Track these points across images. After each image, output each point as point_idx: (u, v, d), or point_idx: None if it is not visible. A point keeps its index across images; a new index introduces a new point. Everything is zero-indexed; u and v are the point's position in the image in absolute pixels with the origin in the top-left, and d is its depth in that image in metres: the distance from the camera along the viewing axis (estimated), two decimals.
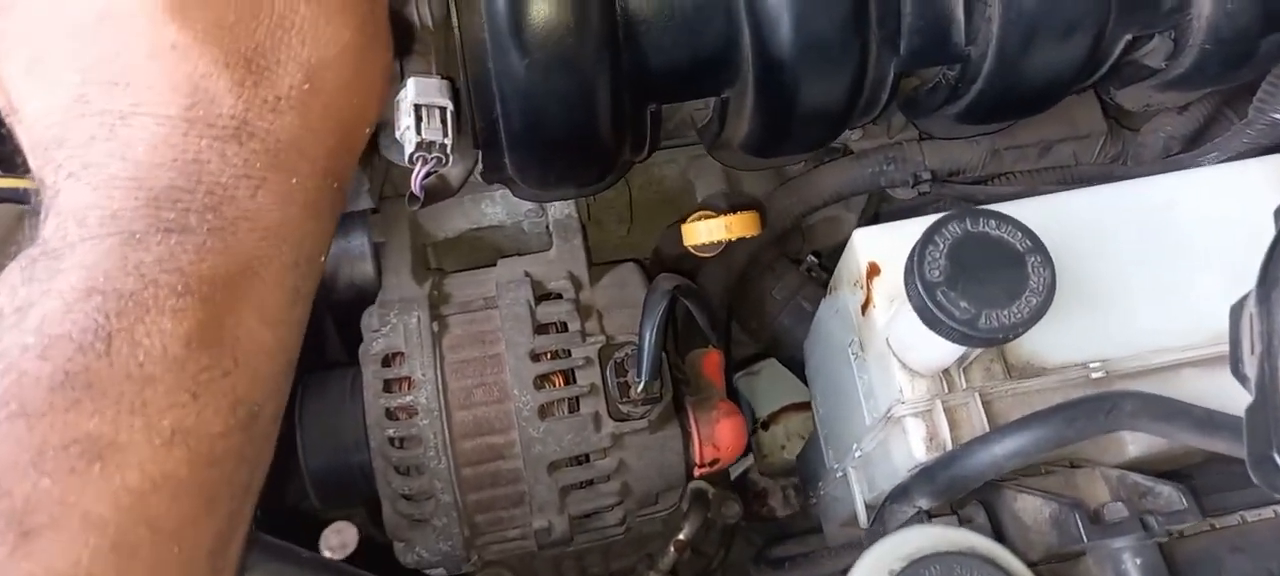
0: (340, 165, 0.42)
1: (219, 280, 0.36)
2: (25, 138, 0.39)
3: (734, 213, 0.62)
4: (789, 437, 1.02)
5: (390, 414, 0.66)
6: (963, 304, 0.44)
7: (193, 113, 0.37)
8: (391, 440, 0.66)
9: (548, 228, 0.78)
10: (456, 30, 0.54)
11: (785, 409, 1.02)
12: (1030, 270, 0.45)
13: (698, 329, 0.76)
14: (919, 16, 0.56)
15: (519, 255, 0.77)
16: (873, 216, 0.88)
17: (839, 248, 0.94)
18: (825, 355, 0.69)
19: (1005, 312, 0.44)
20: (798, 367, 0.87)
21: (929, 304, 0.44)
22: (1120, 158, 0.78)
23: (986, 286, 0.44)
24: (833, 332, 0.65)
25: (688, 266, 0.81)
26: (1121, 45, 0.59)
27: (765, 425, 1.01)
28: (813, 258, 0.88)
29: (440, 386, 0.66)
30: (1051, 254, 0.45)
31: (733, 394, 0.87)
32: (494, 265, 0.77)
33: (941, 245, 0.45)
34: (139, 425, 0.33)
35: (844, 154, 0.80)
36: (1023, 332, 0.44)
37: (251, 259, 0.37)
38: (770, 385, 0.98)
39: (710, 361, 0.76)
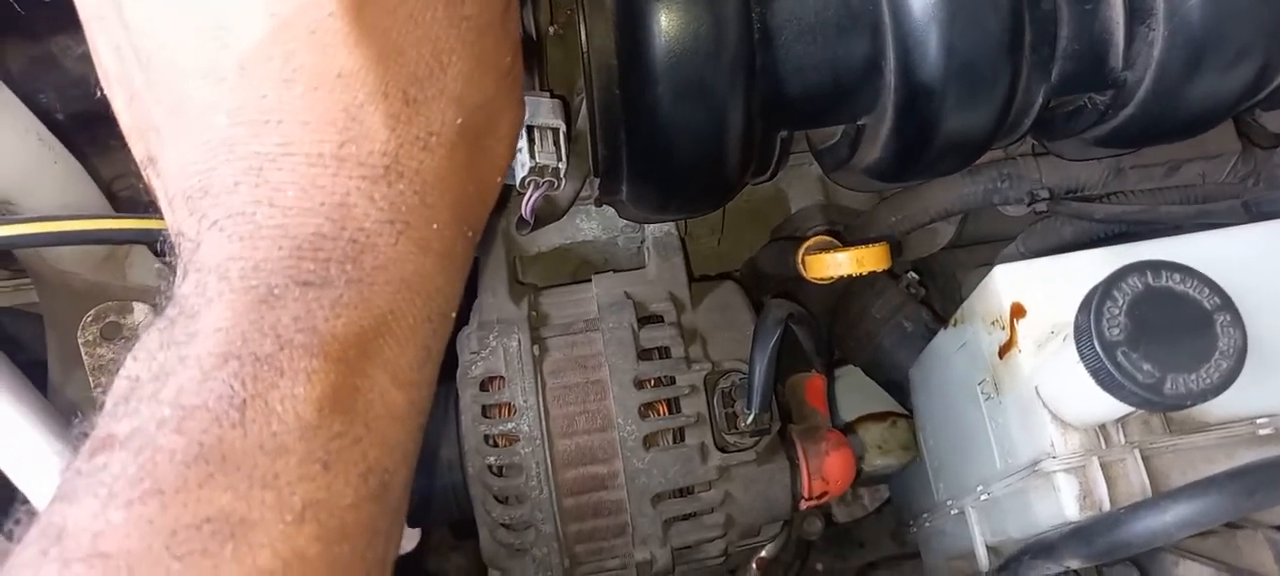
0: (475, 214, 0.40)
1: (352, 339, 0.33)
2: (163, 189, 0.37)
3: (860, 245, 0.58)
4: (868, 449, 0.99)
5: (490, 440, 0.64)
6: (1146, 367, 0.41)
7: (345, 150, 0.34)
8: (491, 468, 0.64)
9: (644, 245, 0.75)
10: (583, 48, 0.51)
11: (864, 418, 0.99)
12: (1219, 330, 0.41)
13: (799, 349, 0.73)
14: (1076, 39, 0.52)
15: (613, 272, 0.74)
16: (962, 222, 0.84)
17: (935, 260, 0.92)
18: (942, 388, 0.66)
19: (1192, 377, 0.41)
20: (894, 388, 0.84)
21: (1109, 366, 0.41)
22: (1252, 178, 0.74)
23: (1171, 348, 0.41)
24: (955, 366, 0.62)
25: (789, 283, 0.78)
26: None
27: (844, 433, 0.99)
28: (913, 275, 0.85)
29: (542, 413, 0.64)
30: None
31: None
32: (585, 280, 0.75)
33: (1121, 301, 0.42)
34: (270, 500, 0.31)
35: None
36: (1211, 399, 0.41)
37: (386, 314, 0.35)
38: (848, 391, 0.95)
39: (814, 387, 0.73)
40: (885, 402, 0.89)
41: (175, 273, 0.35)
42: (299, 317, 0.32)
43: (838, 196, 0.82)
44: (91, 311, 0.57)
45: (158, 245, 0.43)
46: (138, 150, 0.38)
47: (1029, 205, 0.74)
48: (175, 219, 0.36)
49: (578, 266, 0.84)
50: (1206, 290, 0.42)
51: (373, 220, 0.34)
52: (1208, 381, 0.40)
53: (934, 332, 0.82)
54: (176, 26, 0.34)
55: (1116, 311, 0.41)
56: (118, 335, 0.56)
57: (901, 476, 0.81)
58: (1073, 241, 0.78)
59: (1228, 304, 0.41)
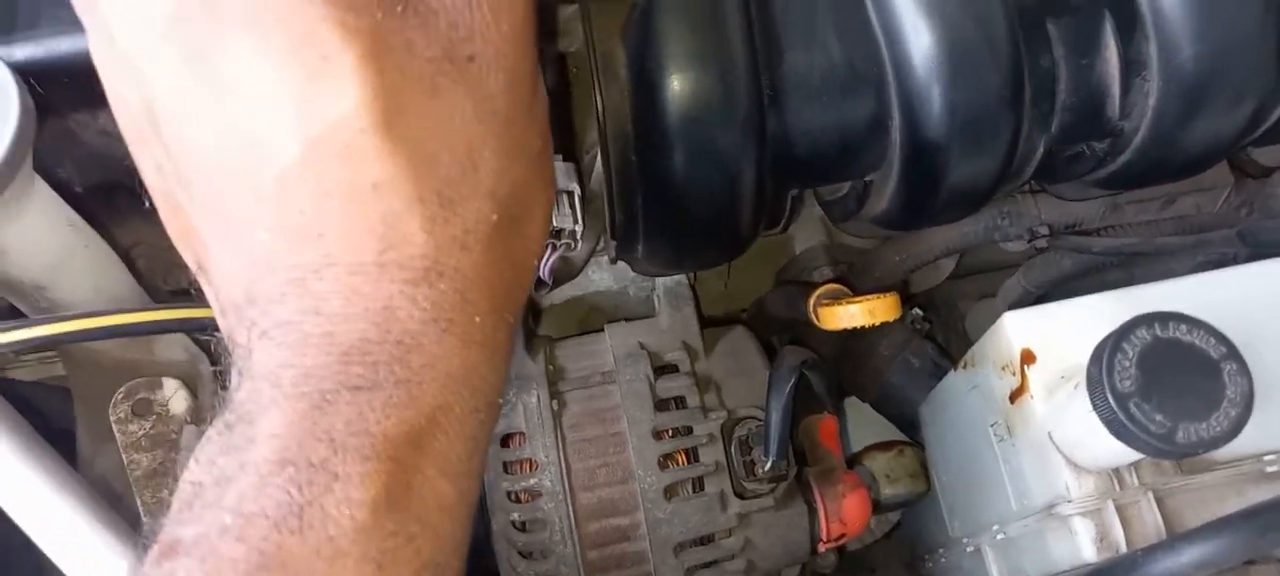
0: (514, 299, 0.41)
1: (403, 437, 0.34)
2: (214, 297, 0.38)
3: (871, 295, 0.60)
4: (876, 477, 1.01)
5: (513, 496, 0.65)
6: (1158, 417, 0.42)
7: (386, 257, 0.35)
8: (516, 524, 0.65)
9: (655, 294, 0.77)
10: (599, 116, 0.53)
11: (871, 448, 1.00)
12: (1227, 379, 0.43)
13: (810, 389, 0.74)
14: (1074, 93, 0.54)
15: (624, 321, 0.76)
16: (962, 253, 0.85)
17: (937, 291, 0.94)
18: (955, 427, 0.67)
19: (1203, 426, 0.42)
20: (904, 425, 0.85)
21: (1122, 417, 0.42)
22: (1245, 208, 0.76)
23: (1181, 398, 0.42)
24: (968, 408, 0.63)
25: (798, 325, 0.79)
26: (1279, 114, 0.57)
27: (851, 463, 1.00)
28: (917, 311, 0.86)
29: (563, 468, 0.65)
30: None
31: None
32: (597, 328, 0.76)
33: (1130, 353, 0.43)
34: None
35: None
36: (1223, 446, 0.42)
37: (435, 410, 0.35)
38: (852, 422, 0.96)
39: (826, 428, 0.74)
40: (891, 431, 0.90)
41: (231, 376, 0.36)
42: (351, 421, 0.33)
43: (841, 236, 0.84)
44: (122, 389, 0.58)
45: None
46: (187, 257, 0.39)
47: (1029, 242, 0.76)
48: (227, 325, 0.37)
49: (587, 314, 0.86)
50: (1212, 339, 0.43)
51: (417, 321, 0.35)
52: (1218, 429, 0.42)
53: (940, 367, 0.84)
54: (214, 148, 0.35)
55: (1127, 364, 0.43)
56: (149, 411, 0.57)
57: (914, 510, 0.82)
58: (1072, 273, 0.80)
59: (1233, 352, 0.43)
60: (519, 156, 0.39)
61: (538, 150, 0.41)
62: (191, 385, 0.59)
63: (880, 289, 0.83)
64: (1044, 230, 0.76)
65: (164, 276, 0.80)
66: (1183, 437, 0.42)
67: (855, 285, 0.79)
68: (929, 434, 0.74)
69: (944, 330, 0.94)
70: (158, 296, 0.80)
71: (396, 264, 0.35)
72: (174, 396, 0.58)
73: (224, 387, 0.36)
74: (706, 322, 0.82)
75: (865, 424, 0.94)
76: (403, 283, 0.35)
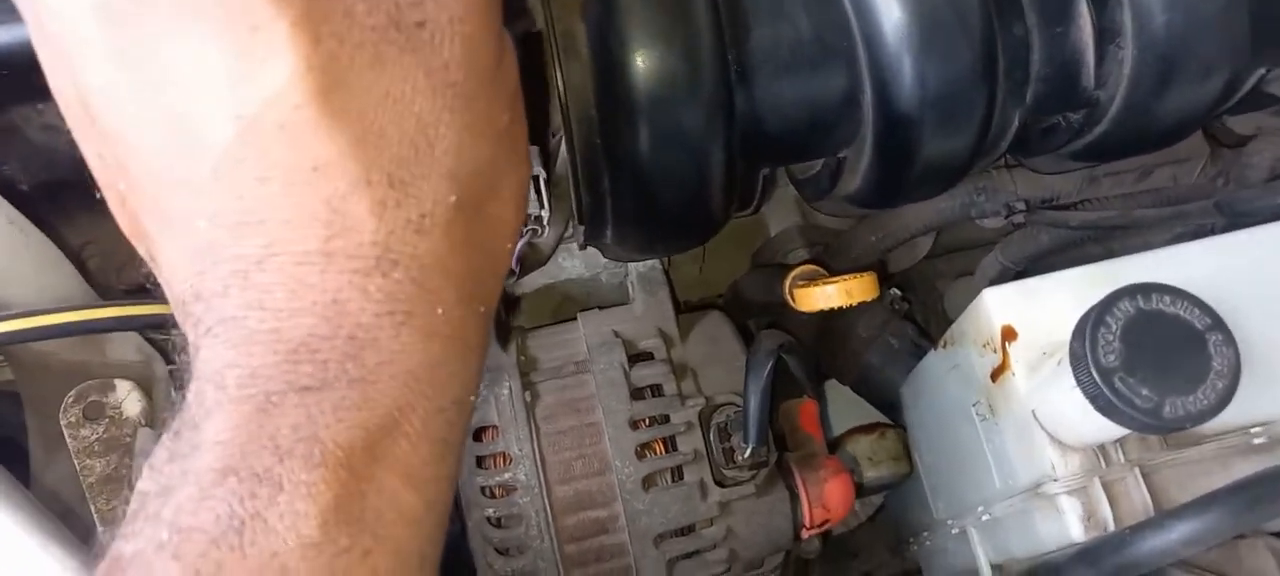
0: (487, 288, 0.38)
1: (357, 444, 0.32)
2: (168, 292, 0.36)
3: (848, 275, 0.58)
4: (858, 461, 1.00)
5: (487, 491, 0.64)
6: (1144, 392, 0.41)
7: (332, 244, 0.32)
8: (490, 519, 0.63)
9: (628, 280, 0.75)
10: (561, 98, 0.51)
11: (853, 431, 0.99)
12: (1212, 350, 0.42)
13: (790, 374, 0.73)
14: (1048, 63, 0.52)
15: (598, 309, 0.74)
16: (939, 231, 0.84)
17: (914, 270, 0.93)
18: (936, 408, 0.66)
19: (1190, 399, 0.41)
20: (885, 407, 0.84)
21: (1107, 393, 0.41)
22: (1221, 177, 0.75)
23: (1167, 371, 0.41)
24: (948, 388, 0.62)
25: (774, 308, 0.78)
26: (1254, 79, 0.56)
27: (832, 447, 0.99)
28: (896, 291, 0.85)
29: (538, 460, 0.64)
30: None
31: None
32: (570, 318, 0.74)
33: (1114, 326, 0.42)
34: None
35: None
36: (1210, 419, 0.41)
37: (394, 410, 0.33)
38: (832, 405, 0.95)
39: (807, 412, 0.73)
40: (872, 414, 0.89)
41: (186, 377, 0.34)
42: (298, 426, 0.31)
43: (816, 217, 0.83)
44: (72, 392, 0.55)
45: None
46: (140, 251, 0.37)
47: (1006, 218, 0.75)
48: (180, 321, 0.35)
49: (560, 303, 0.84)
50: (1197, 310, 0.42)
51: (370, 314, 0.33)
52: (1205, 402, 0.41)
53: (920, 348, 0.83)
54: (146, 134, 0.32)
55: (1110, 337, 0.42)
56: (101, 415, 0.55)
57: (898, 493, 0.81)
58: (1051, 248, 0.79)
59: (1218, 323, 0.42)
60: (482, 132, 0.36)
61: (505, 125, 0.38)
62: (145, 386, 0.57)
63: (857, 269, 0.82)
64: (1021, 206, 0.75)
65: (117, 275, 0.77)
66: (1170, 412, 0.41)
67: (831, 266, 0.78)
68: (910, 415, 0.73)
69: (923, 309, 0.93)
70: (110, 296, 0.78)
71: (344, 252, 0.33)
72: (127, 398, 0.55)
73: (179, 388, 0.34)
74: (682, 308, 0.80)
75: (846, 406, 0.93)
76: (352, 272, 0.33)
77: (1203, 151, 0.74)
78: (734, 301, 0.85)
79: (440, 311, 0.35)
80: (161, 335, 0.59)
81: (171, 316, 0.36)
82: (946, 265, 0.94)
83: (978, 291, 0.85)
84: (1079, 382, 0.42)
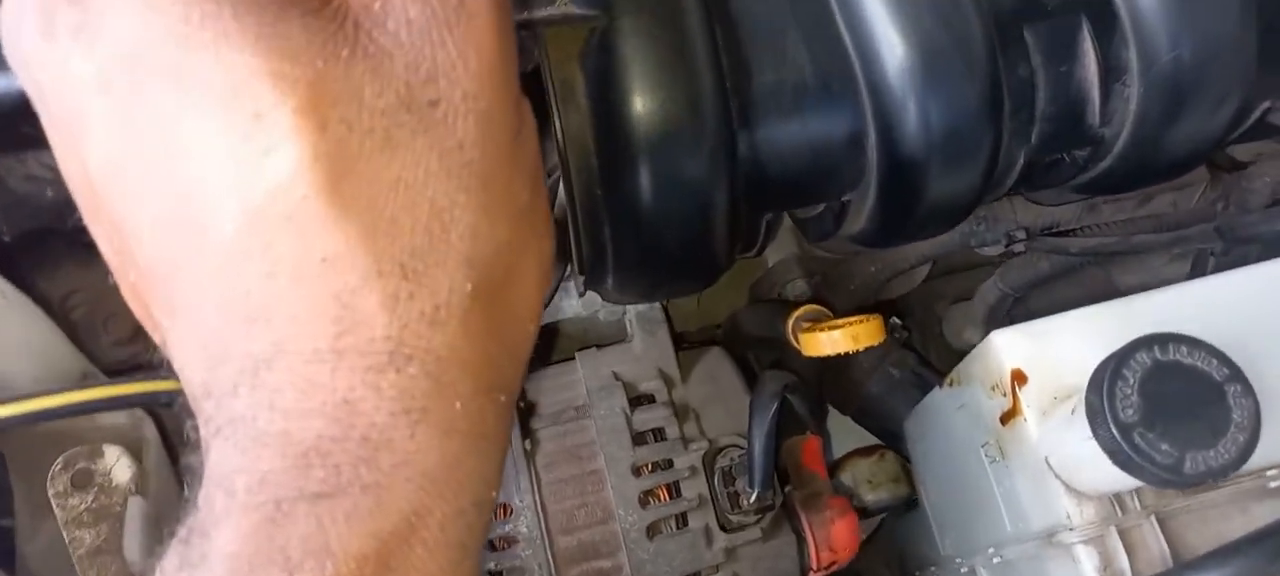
0: (506, 377, 0.35)
1: (370, 553, 0.30)
2: (183, 385, 0.34)
3: (854, 318, 0.57)
4: (858, 484, 0.99)
5: (489, 544, 0.62)
6: (1164, 447, 0.40)
7: (342, 342, 0.31)
8: (493, 573, 0.62)
9: (627, 317, 0.74)
10: (560, 146, 0.50)
11: (852, 454, 0.98)
12: (1232, 401, 0.41)
13: (792, 409, 0.72)
14: (1052, 102, 0.52)
15: (596, 348, 0.73)
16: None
17: (913, 298, 0.92)
18: (943, 446, 0.65)
19: (1211, 454, 0.40)
20: (886, 437, 0.83)
21: (1126, 449, 0.40)
22: (1221, 202, 0.75)
23: (1186, 424, 0.40)
24: (956, 427, 0.61)
25: (774, 343, 0.77)
26: (1259, 112, 0.55)
27: (832, 471, 0.98)
28: (896, 319, 0.85)
29: (540, 511, 0.62)
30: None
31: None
32: (568, 357, 0.73)
33: (1131, 379, 0.41)
34: None
35: None
36: (1233, 473, 0.40)
37: (410, 515, 0.31)
38: (833, 428, 0.94)
39: (810, 449, 0.72)
40: (868, 438, 0.88)
41: (198, 475, 0.32)
42: (308, 537, 0.29)
43: (814, 247, 0.82)
44: (60, 459, 0.54)
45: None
46: (155, 339, 0.35)
47: (1006, 247, 0.75)
48: (195, 413, 0.33)
49: (556, 340, 0.83)
50: (1215, 361, 0.41)
51: (384, 414, 0.31)
52: (1227, 456, 0.40)
53: (922, 377, 0.82)
54: (151, 221, 0.31)
55: (1128, 391, 0.41)
56: (90, 483, 0.53)
57: (904, 525, 0.80)
58: (1050, 274, 0.78)
59: (1237, 373, 0.41)
60: (501, 212, 0.34)
61: (525, 203, 0.35)
62: (135, 450, 0.55)
63: (859, 305, 0.81)
64: (1021, 234, 0.74)
65: (103, 326, 0.75)
66: (1191, 467, 0.40)
67: (833, 304, 0.77)
68: (915, 450, 0.72)
69: (921, 332, 0.92)
70: (98, 347, 0.76)
71: (356, 349, 0.31)
72: (116, 464, 0.54)
73: (191, 484, 0.32)
74: (680, 341, 0.79)
75: (844, 428, 0.92)
76: (364, 370, 0.31)
77: (1202, 176, 0.74)
78: (733, 335, 0.84)
79: (458, 405, 0.32)
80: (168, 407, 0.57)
81: (168, 393, 0.34)
82: (945, 287, 0.93)
83: (978, 318, 0.85)
84: (1098, 437, 0.41)
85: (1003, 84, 0.50)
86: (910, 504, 0.77)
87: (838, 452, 0.96)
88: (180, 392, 0.34)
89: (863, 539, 0.97)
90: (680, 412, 0.66)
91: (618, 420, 0.64)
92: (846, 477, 0.97)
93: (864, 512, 0.92)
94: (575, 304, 0.74)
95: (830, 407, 0.90)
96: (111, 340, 0.75)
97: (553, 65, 0.50)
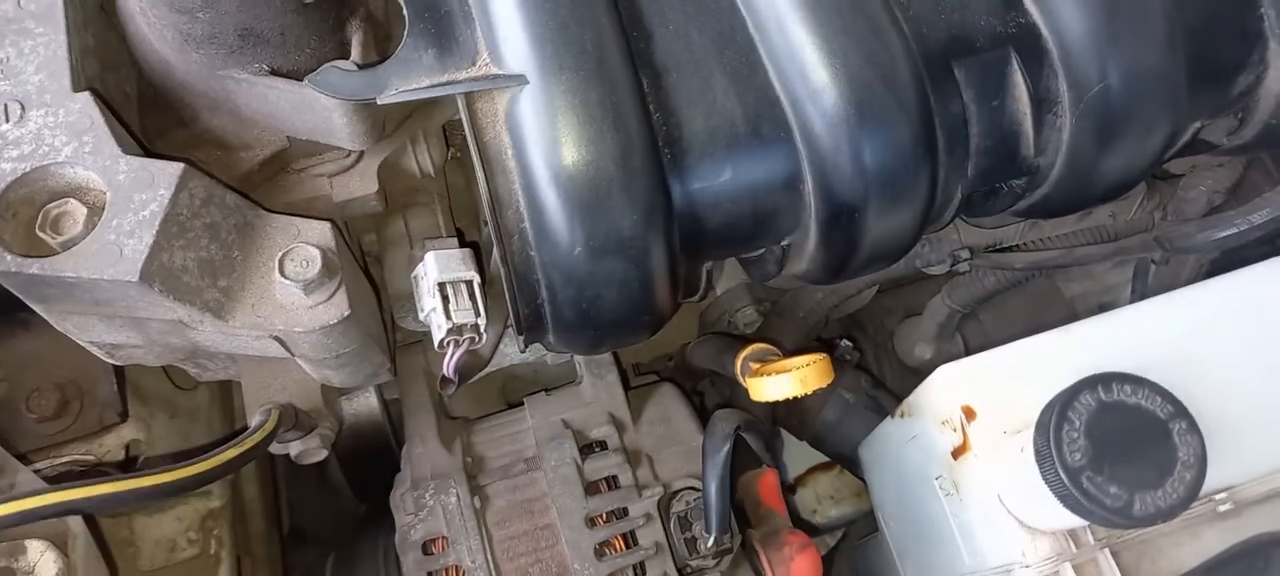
0: None
1: None
2: None
3: (802, 360, 0.56)
4: (820, 500, 0.99)
5: None
6: (1113, 490, 0.40)
7: None
8: None
9: (576, 359, 0.72)
10: (487, 215, 0.48)
11: (813, 470, 0.98)
12: (1177, 439, 0.41)
13: (748, 446, 0.71)
14: (987, 136, 0.51)
15: (544, 393, 0.71)
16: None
17: (863, 315, 0.92)
18: (898, 476, 0.64)
19: (1160, 494, 0.40)
20: (844, 461, 0.83)
21: (1075, 493, 0.40)
22: (1159, 211, 0.75)
23: (1133, 464, 0.40)
24: (909, 458, 0.61)
25: (724, 380, 0.76)
26: (1190, 134, 0.55)
27: (793, 488, 0.98)
28: (846, 342, 0.84)
29: (492, 571, 0.61)
30: (1157, 378, 0.42)
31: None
32: (517, 403, 0.71)
33: (1077, 422, 0.41)
34: None
35: None
36: (1181, 512, 0.40)
37: None
38: (790, 445, 0.94)
39: (767, 484, 0.71)
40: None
41: None
42: None
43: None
44: None
45: None
46: None
47: (952, 266, 0.74)
48: None
49: (505, 382, 0.81)
50: (1158, 399, 0.41)
51: None
52: (1175, 495, 0.40)
53: (876, 400, 0.81)
54: None
55: (1075, 434, 0.41)
56: None
57: (865, 552, 0.80)
58: (996, 289, 0.79)
59: (1180, 410, 0.41)
60: None
61: None
62: (60, 543, 0.52)
63: (810, 331, 0.81)
64: (965, 253, 0.74)
65: (26, 402, 0.72)
66: (1140, 509, 0.40)
67: (783, 331, 0.77)
68: (871, 477, 0.71)
69: (873, 348, 0.92)
70: (21, 426, 0.72)
71: None
72: (40, 560, 0.51)
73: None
74: (630, 373, 0.78)
75: (802, 446, 0.92)
76: None
77: (1139, 189, 0.74)
78: (683, 369, 0.83)
79: None
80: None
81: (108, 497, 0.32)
82: (894, 301, 0.93)
83: (929, 335, 0.85)
84: (1047, 481, 0.41)
85: (936, 121, 0.50)
86: (873, 517, 0.77)
87: (797, 471, 0.97)
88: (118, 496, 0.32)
89: (830, 547, 0.97)
90: (633, 458, 0.65)
91: (569, 470, 0.63)
92: (809, 493, 0.97)
93: (822, 528, 0.92)
94: (519, 349, 0.72)
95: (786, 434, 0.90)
96: (35, 417, 0.72)
97: (478, 131, 0.49)
